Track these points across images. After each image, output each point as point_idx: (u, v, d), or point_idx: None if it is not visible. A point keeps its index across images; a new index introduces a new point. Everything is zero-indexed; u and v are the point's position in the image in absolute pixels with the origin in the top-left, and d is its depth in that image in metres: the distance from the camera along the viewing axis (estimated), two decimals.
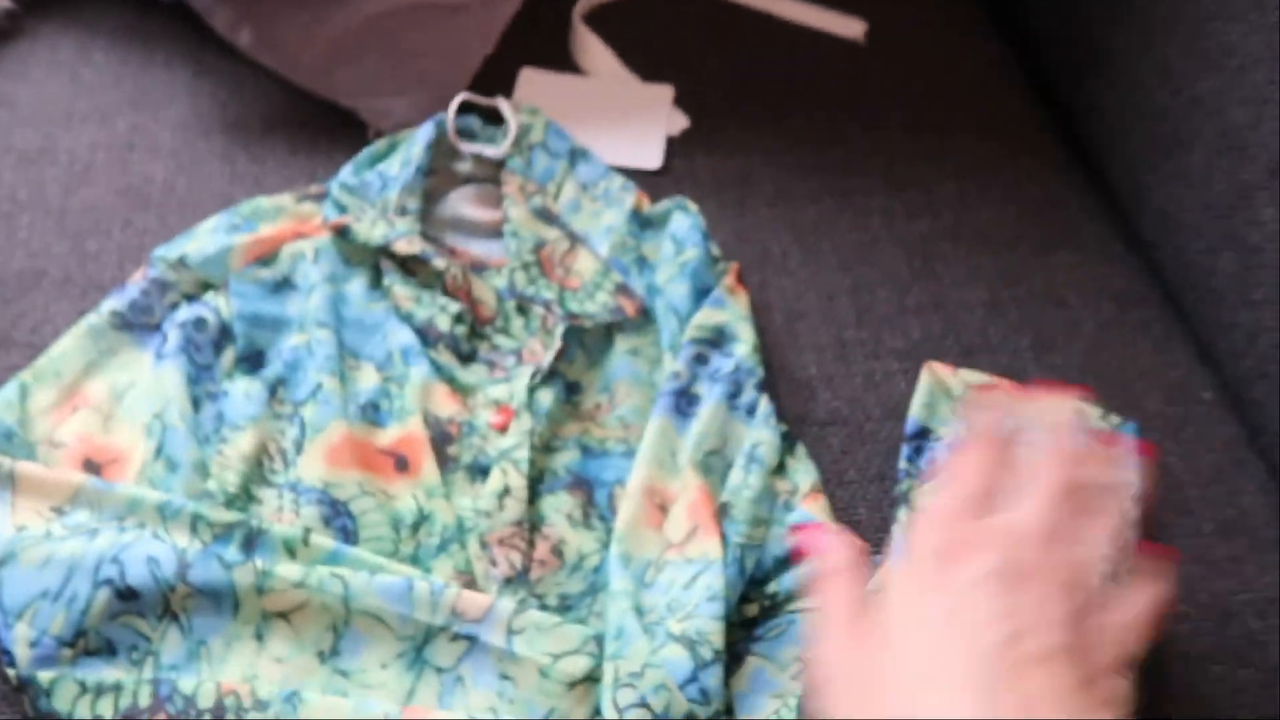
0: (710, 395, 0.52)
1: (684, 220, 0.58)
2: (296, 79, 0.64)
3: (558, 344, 0.53)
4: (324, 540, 0.45)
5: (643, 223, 0.59)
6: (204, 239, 0.54)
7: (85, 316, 0.52)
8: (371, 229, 0.55)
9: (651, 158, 0.64)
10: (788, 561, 0.48)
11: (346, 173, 0.58)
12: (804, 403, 0.55)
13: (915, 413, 0.54)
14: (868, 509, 0.52)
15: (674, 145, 0.66)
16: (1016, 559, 0.34)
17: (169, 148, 0.61)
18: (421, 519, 0.48)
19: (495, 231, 0.59)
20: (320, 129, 0.63)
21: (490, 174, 0.61)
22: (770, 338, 0.57)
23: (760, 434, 0.51)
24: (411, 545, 0.47)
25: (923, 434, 0.54)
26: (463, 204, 0.60)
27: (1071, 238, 0.64)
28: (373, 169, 0.59)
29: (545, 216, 0.58)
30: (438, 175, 0.60)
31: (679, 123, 0.67)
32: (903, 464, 0.52)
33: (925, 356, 0.57)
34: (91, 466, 0.48)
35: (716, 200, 0.63)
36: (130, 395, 0.51)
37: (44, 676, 0.41)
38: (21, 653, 0.41)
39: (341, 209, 0.56)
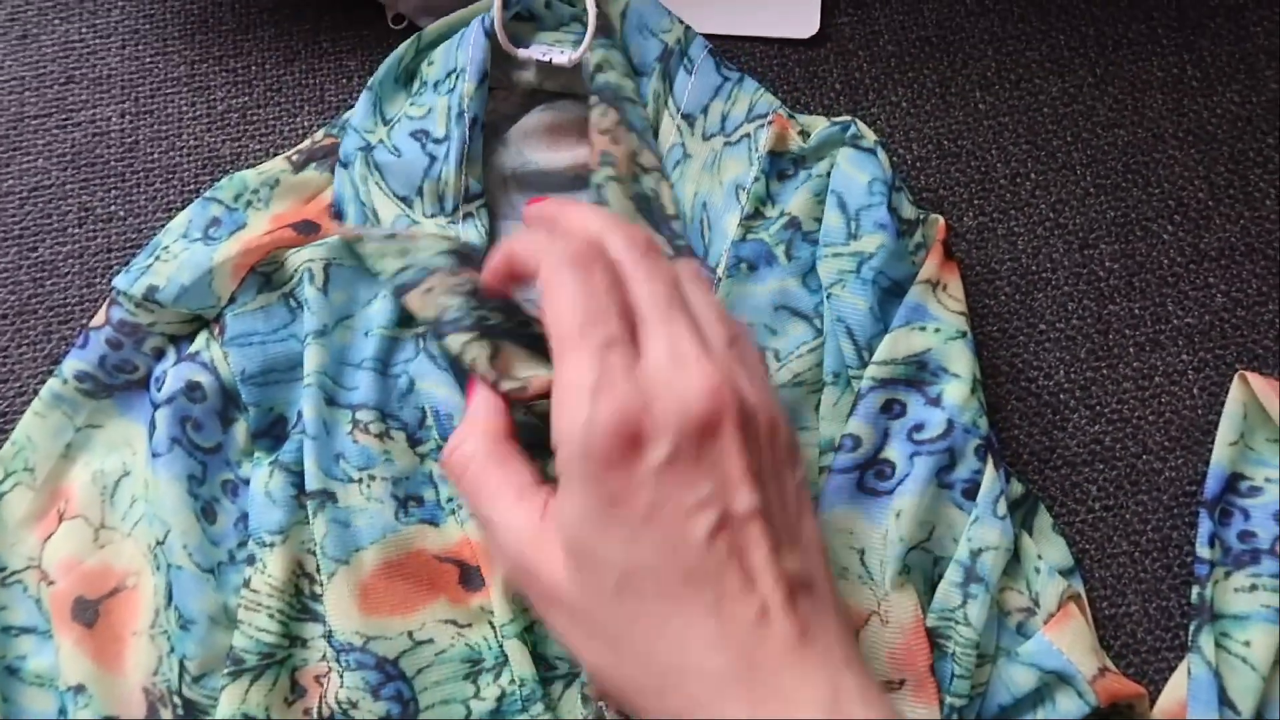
0: (914, 470, 0.36)
1: (859, 171, 0.37)
2: None
3: None
4: None
5: (789, 164, 0.39)
6: (176, 257, 0.38)
7: (49, 383, 0.38)
8: (399, 266, 0.37)
9: (803, 19, 0.43)
10: (1017, 708, 0.34)
11: (362, 117, 0.40)
12: (1047, 430, 0.38)
13: (1221, 457, 0.36)
14: (1141, 598, 0.36)
15: None
16: (689, 425, 0.28)
17: (120, 76, 0.44)
18: (499, 658, 0.36)
19: (579, 179, 0.41)
20: (322, 18, 0.44)
21: (565, 82, 0.41)
22: (993, 324, 0.39)
23: (985, 533, 0.35)
24: (494, 698, 0.35)
25: (1232, 487, 0.36)
26: (530, 143, 0.41)
27: None
28: (401, 114, 0.40)
29: (648, 206, 0.39)
30: (492, 94, 0.41)
31: None
32: (1203, 549, 0.36)
33: (1232, 335, 0.38)
34: (85, 610, 0.36)
35: (905, 85, 0.42)
36: (125, 490, 0.38)
37: None
38: None
39: (357, 204, 0.38)
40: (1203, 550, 0.35)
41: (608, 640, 0.28)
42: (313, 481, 0.36)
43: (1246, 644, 0.35)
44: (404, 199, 0.38)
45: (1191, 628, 0.35)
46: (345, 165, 0.39)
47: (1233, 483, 0.36)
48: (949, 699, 0.34)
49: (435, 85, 0.40)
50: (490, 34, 0.39)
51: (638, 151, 0.38)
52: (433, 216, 0.38)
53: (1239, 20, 0.42)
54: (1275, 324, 0.39)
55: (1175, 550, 0.37)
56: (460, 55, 0.39)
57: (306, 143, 0.41)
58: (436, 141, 0.38)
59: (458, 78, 0.39)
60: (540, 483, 0.31)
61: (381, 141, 0.39)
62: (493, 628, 0.36)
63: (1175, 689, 0.35)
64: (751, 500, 0.28)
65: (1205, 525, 0.36)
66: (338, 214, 0.39)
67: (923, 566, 0.36)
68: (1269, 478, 0.36)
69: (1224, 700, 0.34)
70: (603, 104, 0.39)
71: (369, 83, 0.40)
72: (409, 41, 0.41)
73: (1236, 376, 0.37)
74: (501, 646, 0.36)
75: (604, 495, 0.27)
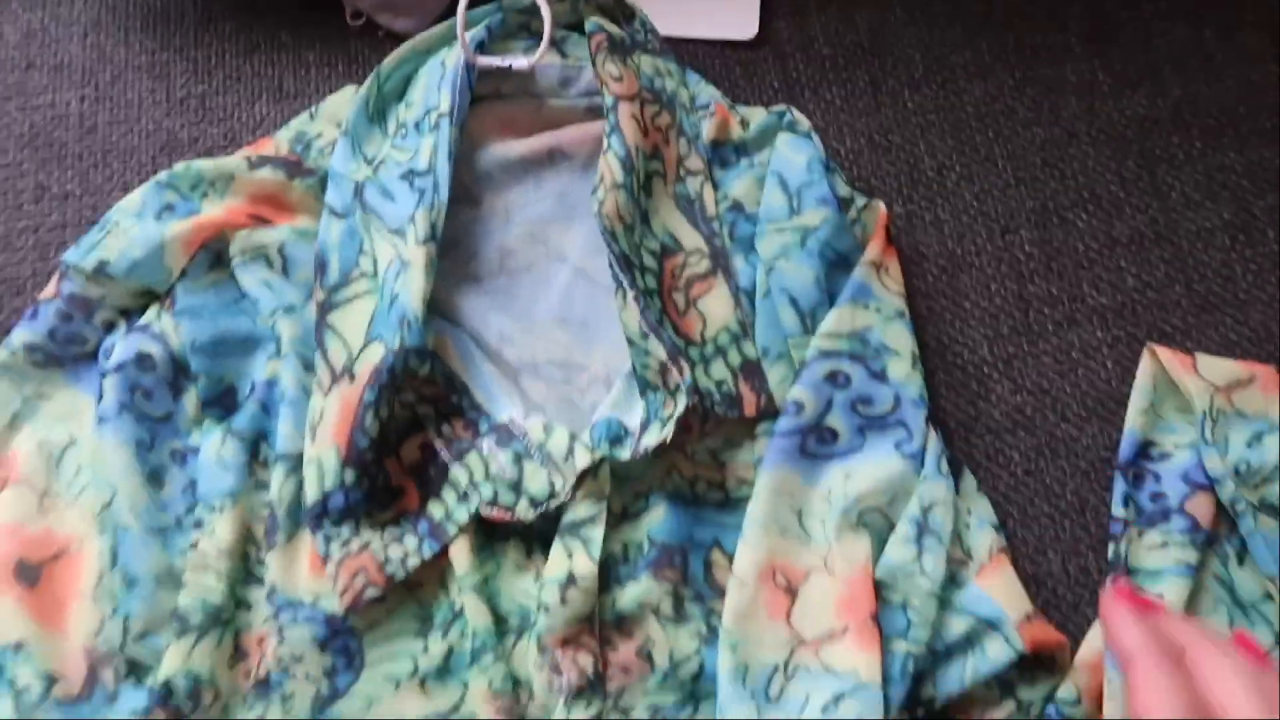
0: (867, 441, 0.37)
1: (796, 153, 0.40)
2: None
3: (665, 433, 0.37)
4: None
5: (731, 152, 0.41)
6: (127, 232, 0.39)
7: None
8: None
9: (743, 21, 0.45)
10: (949, 654, 0.36)
11: (344, 161, 0.41)
12: (972, 401, 0.40)
13: (1133, 423, 0.39)
14: (1061, 555, 0.38)
15: None
16: None
17: (80, 63, 0.45)
18: (451, 615, 0.36)
19: (530, 164, 0.42)
20: (283, 13, 0.46)
21: (520, 84, 0.43)
22: (922, 303, 0.41)
23: (934, 490, 0.36)
24: (441, 654, 0.36)
25: (1144, 452, 0.39)
26: (483, 135, 0.42)
27: None
28: (387, 157, 0.41)
29: (690, 206, 0.40)
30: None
31: None
32: (1118, 509, 0.38)
33: (1143, 314, 0.41)
34: (27, 573, 0.36)
35: (839, 84, 0.45)
36: (70, 459, 0.38)
37: None
38: None
39: (343, 253, 0.39)
40: (1118, 510, 0.37)
41: None
42: (286, 444, 0.37)
43: (1160, 596, 0.36)
44: (397, 231, 0.39)
45: (1108, 583, 0.36)
46: (341, 216, 0.40)
47: (1145, 449, 0.39)
48: (907, 647, 0.35)
49: (417, 125, 0.41)
50: (471, 75, 0.40)
51: (685, 156, 0.41)
52: (425, 242, 0.38)
53: (1145, 31, 0.45)
54: (1181, 303, 0.41)
55: (1092, 512, 0.39)
56: (443, 97, 0.40)
57: (269, 149, 0.42)
58: (421, 175, 0.39)
59: (440, 118, 0.40)
60: None
61: (369, 180, 0.40)
62: (444, 587, 0.37)
63: (1094, 641, 0.36)
64: None
65: (1120, 487, 0.38)
66: (321, 264, 0.39)
67: (876, 527, 0.37)
68: (1177, 443, 0.38)
69: None
70: (658, 105, 0.41)
71: (344, 128, 0.41)
72: (369, 81, 0.42)
73: (1146, 350, 0.39)
74: (451, 604, 0.36)
75: None
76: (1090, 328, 0.41)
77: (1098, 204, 0.43)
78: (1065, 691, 0.35)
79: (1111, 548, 0.37)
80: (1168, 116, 0.44)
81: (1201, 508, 0.37)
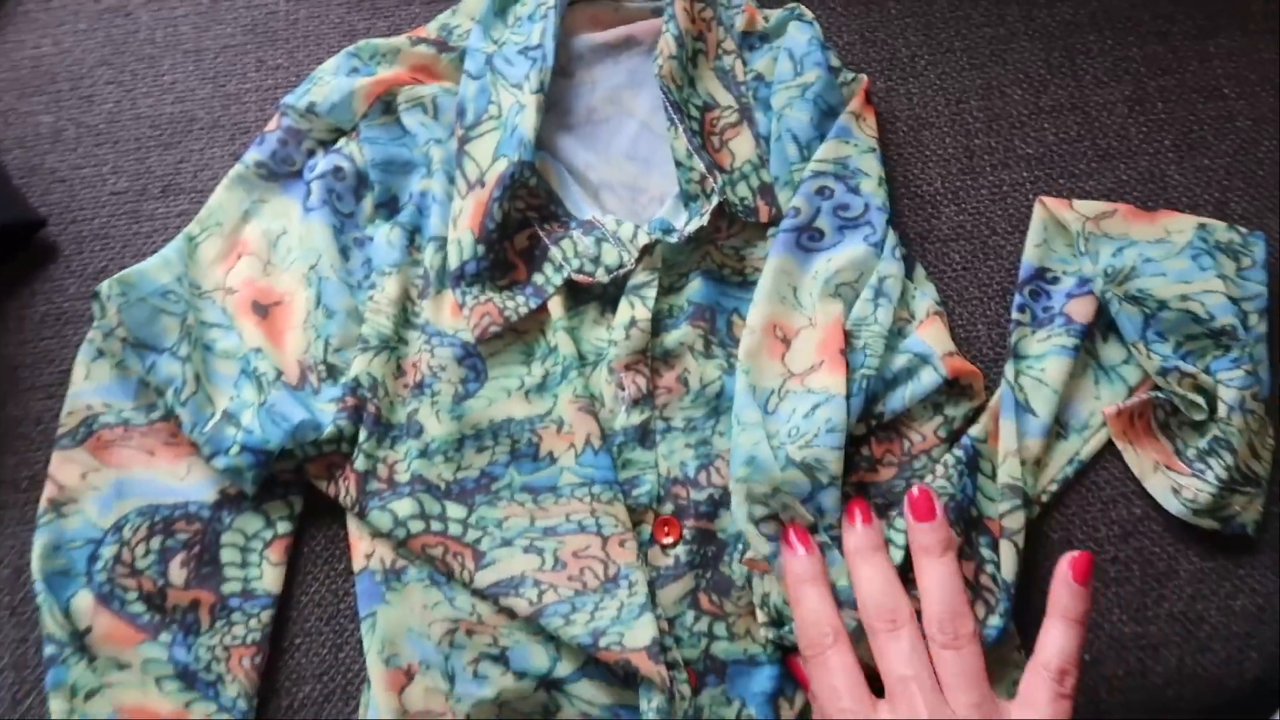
0: (844, 238, 0.52)
1: (801, 34, 0.55)
2: None
3: (702, 220, 0.52)
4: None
5: (756, 40, 0.57)
6: (327, 84, 0.55)
7: (234, 168, 0.55)
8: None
9: None
10: (894, 382, 0.50)
11: (477, 41, 0.56)
12: (927, 219, 0.55)
13: (1029, 255, 0.53)
14: (987, 325, 0.53)
15: None
16: None
17: None
18: (548, 351, 0.52)
19: (616, 48, 0.58)
20: None
21: None
22: (894, 150, 0.56)
23: (888, 267, 0.51)
24: (539, 375, 0.51)
25: (1039, 275, 0.53)
26: (578, 27, 0.58)
27: (1237, 18, 0.58)
28: (508, 39, 0.56)
29: (725, 76, 0.56)
30: None
31: None
32: (1015, 313, 0.52)
33: (1058, 162, 0.55)
34: (259, 308, 0.53)
35: None
36: (283, 241, 0.55)
37: None
38: None
39: (477, 104, 0.55)
40: (1015, 315, 0.52)
41: None
42: (435, 230, 0.53)
43: (1042, 370, 0.50)
44: (516, 85, 0.55)
45: (1007, 364, 0.51)
46: (476, 78, 0.56)
47: (1041, 273, 0.53)
48: (864, 372, 0.49)
49: (530, 16, 0.57)
50: None
51: (722, 40, 0.57)
52: (535, 92, 0.54)
53: None
54: (1088, 154, 0.55)
55: (1011, 297, 0.53)
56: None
57: (421, 34, 0.58)
58: (533, 49, 0.55)
59: (548, 9, 0.56)
60: None
61: (496, 53, 0.56)
62: (543, 331, 0.52)
63: (994, 402, 0.50)
64: None
65: (1018, 299, 0.52)
66: (461, 111, 0.55)
67: (847, 296, 0.52)
68: (1065, 271, 0.53)
69: (1028, 409, 0.50)
70: (704, 2, 0.57)
71: (476, 19, 0.57)
72: None
73: (1036, 202, 0.53)
74: (548, 342, 0.52)
75: None
76: (1018, 170, 0.55)
77: (1029, 83, 0.57)
78: (976, 430, 0.50)
79: (1010, 340, 0.51)
80: (1087, 20, 0.58)
81: (1077, 308, 0.51)
